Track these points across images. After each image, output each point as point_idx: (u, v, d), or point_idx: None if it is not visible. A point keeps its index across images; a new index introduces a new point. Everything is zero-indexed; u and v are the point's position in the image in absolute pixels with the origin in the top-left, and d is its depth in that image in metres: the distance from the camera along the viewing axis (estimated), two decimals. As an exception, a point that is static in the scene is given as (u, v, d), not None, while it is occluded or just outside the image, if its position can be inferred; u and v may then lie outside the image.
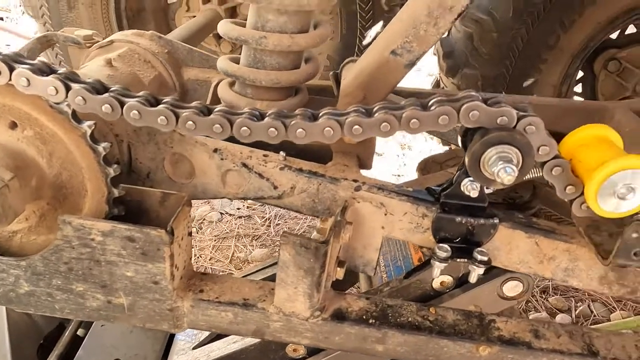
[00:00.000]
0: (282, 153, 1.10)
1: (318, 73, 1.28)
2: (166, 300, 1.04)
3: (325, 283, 1.05)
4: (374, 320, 1.07)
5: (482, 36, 2.19)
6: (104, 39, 1.50)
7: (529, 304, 2.93)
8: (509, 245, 1.03)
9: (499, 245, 1.03)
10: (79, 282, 1.02)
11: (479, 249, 1.00)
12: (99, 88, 0.87)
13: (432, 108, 0.83)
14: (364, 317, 1.07)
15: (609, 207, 0.83)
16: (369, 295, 1.40)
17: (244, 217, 3.52)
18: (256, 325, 1.07)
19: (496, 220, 0.99)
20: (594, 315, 2.80)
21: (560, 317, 2.77)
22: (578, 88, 2.56)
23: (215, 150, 1.10)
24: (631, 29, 2.41)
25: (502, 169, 0.80)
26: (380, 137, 0.87)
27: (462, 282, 1.37)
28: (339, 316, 1.07)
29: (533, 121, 0.81)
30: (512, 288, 1.34)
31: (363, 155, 1.16)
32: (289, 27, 1.15)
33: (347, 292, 1.17)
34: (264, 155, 1.10)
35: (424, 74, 4.99)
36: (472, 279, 1.03)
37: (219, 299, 1.07)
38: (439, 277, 1.33)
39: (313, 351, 1.47)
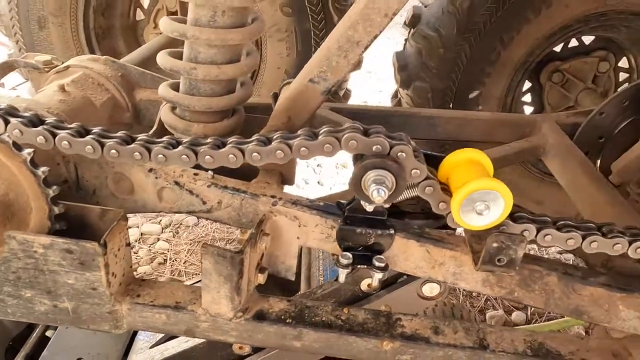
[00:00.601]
0: (210, 172, 1.23)
1: (251, 96, 1.42)
2: (105, 304, 1.17)
3: (248, 287, 1.19)
4: (291, 320, 1.20)
5: (430, 52, 2.32)
6: (62, 63, 1.64)
7: (488, 302, 3.07)
8: (405, 252, 1.16)
9: (397, 252, 1.17)
10: (26, 289, 1.15)
11: (378, 256, 1.14)
12: (35, 121, 1.00)
13: (319, 137, 0.96)
14: (283, 317, 1.21)
15: (470, 221, 0.97)
16: (301, 297, 1.55)
17: (220, 221, 3.63)
18: (187, 325, 1.21)
19: (392, 231, 1.13)
20: (548, 313, 2.95)
21: (515, 315, 2.92)
22: (528, 98, 2.70)
23: (150, 170, 1.23)
24: (574, 42, 2.55)
25: (375, 190, 0.93)
26: (276, 162, 1.00)
27: (387, 284, 1.52)
28: (260, 316, 1.20)
29: (403, 149, 0.94)
30: (430, 289, 1.48)
31: (285, 173, 1.29)
32: (218, 58, 1.28)
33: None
34: (194, 174, 1.24)
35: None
36: (374, 282, 1.16)
37: (153, 302, 1.20)
38: (364, 280, 1.48)
39: (258, 349, 1.60)
